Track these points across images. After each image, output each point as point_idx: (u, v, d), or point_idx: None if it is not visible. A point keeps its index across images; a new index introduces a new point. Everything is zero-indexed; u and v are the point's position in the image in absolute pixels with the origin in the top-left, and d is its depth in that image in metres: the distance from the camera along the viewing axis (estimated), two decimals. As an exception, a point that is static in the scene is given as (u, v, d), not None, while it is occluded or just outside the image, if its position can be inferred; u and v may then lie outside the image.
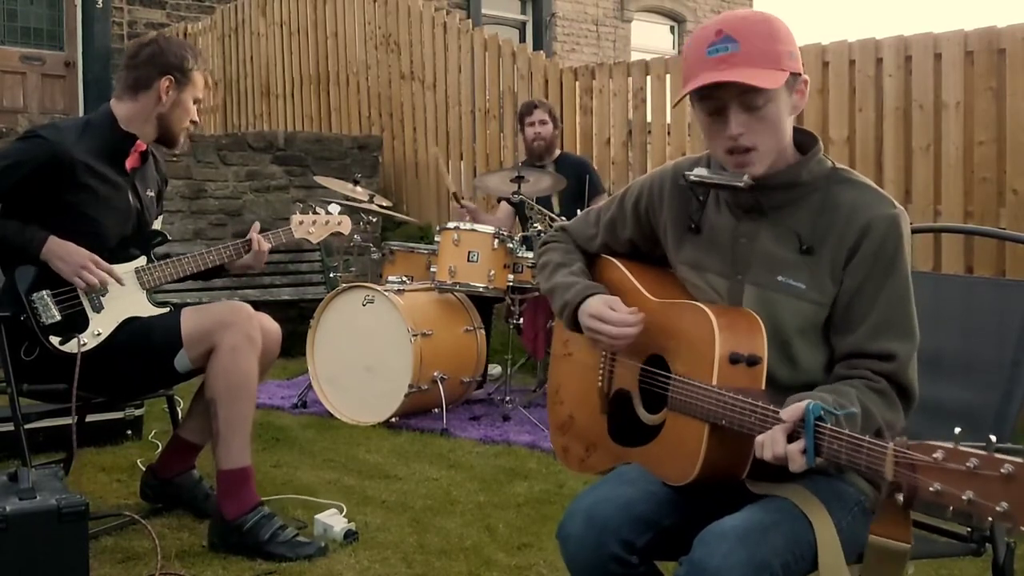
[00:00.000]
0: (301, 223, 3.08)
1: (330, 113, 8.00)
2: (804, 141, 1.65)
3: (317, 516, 2.83)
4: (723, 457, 1.53)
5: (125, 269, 2.72)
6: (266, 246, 2.92)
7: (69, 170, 2.60)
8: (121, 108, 2.75)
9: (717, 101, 1.56)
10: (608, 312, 1.71)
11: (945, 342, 1.91)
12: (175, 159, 6.11)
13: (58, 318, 2.59)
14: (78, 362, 2.54)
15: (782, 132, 1.59)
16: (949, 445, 1.17)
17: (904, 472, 1.21)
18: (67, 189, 2.61)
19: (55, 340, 2.58)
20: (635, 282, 1.80)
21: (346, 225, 3.21)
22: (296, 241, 3.10)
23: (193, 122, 2.82)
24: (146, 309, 2.75)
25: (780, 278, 1.61)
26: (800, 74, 1.58)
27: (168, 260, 2.82)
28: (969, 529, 1.76)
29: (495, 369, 5.07)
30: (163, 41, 2.81)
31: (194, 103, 2.80)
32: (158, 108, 2.74)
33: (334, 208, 3.16)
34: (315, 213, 3.12)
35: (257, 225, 2.97)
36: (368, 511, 3.03)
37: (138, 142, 2.77)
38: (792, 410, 1.38)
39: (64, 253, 2.59)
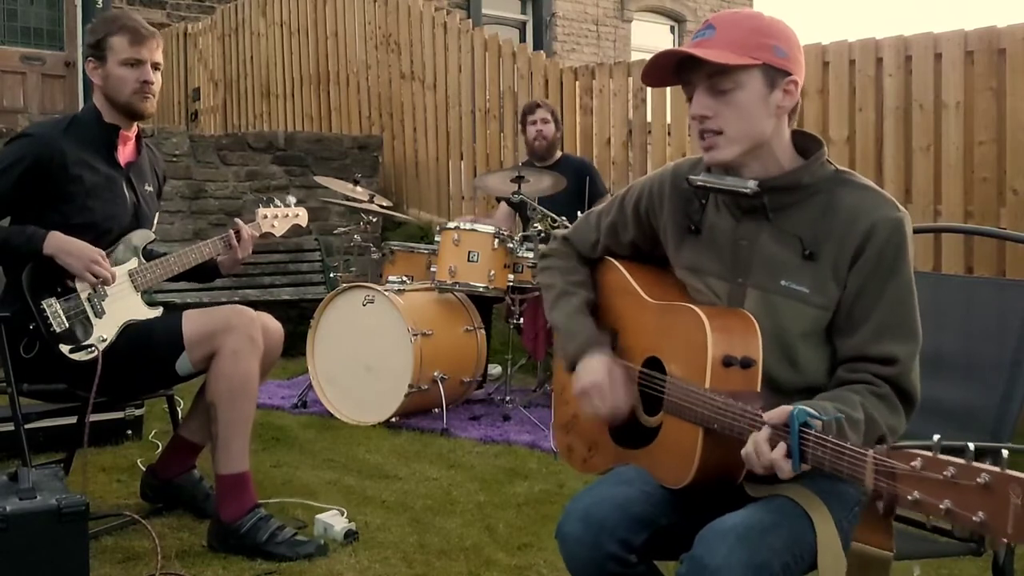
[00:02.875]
0: (265, 217, 3.08)
1: (330, 113, 8.01)
2: (807, 145, 1.65)
3: (317, 516, 2.83)
4: (719, 461, 1.53)
5: (119, 272, 2.71)
6: (246, 234, 2.91)
7: (60, 162, 2.60)
8: (96, 101, 2.76)
9: (690, 87, 1.62)
10: (604, 394, 1.71)
11: (945, 342, 1.91)
12: (175, 159, 6.11)
13: (66, 326, 2.58)
14: (98, 371, 2.53)
15: (754, 122, 1.58)
16: (928, 453, 1.16)
17: (883, 481, 1.21)
18: (61, 181, 2.60)
19: (65, 348, 2.56)
20: (634, 284, 1.80)
21: (303, 218, 3.22)
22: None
23: (144, 82, 2.69)
24: (142, 312, 2.75)
25: (783, 282, 1.60)
26: (789, 73, 1.58)
27: (157, 260, 2.81)
28: (969, 529, 1.76)
29: (495, 369, 5.07)
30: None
31: (132, 64, 2.68)
32: (100, 90, 2.73)
33: (291, 200, 3.17)
34: (276, 206, 3.13)
35: (239, 222, 2.97)
36: (368, 511, 3.03)
37: (122, 132, 2.77)
38: (776, 412, 1.39)
39: (73, 247, 2.57)
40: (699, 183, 1.67)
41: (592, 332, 1.81)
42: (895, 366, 1.55)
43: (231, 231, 2.91)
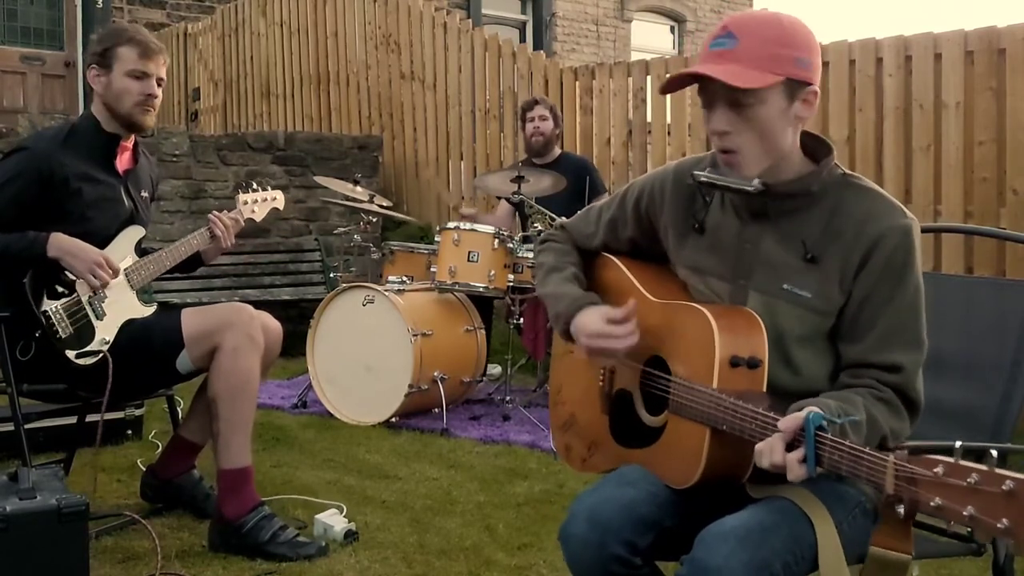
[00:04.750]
0: (246, 203, 3.08)
1: (330, 113, 8.00)
2: (817, 148, 1.63)
3: (317, 516, 2.83)
4: (725, 461, 1.53)
5: None
6: (229, 221, 2.91)
7: (60, 176, 2.60)
8: (94, 110, 2.76)
9: (709, 95, 1.56)
10: (606, 327, 1.68)
11: (945, 342, 1.90)
12: (175, 159, 6.11)
13: (71, 331, 2.57)
14: (110, 374, 2.52)
15: (773, 138, 1.56)
16: (950, 459, 1.16)
17: (904, 486, 1.20)
18: (62, 196, 2.60)
19: (71, 354, 2.56)
20: (634, 281, 1.79)
21: (280, 200, 3.23)
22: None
23: (149, 95, 2.68)
24: (140, 310, 2.75)
25: (785, 286, 1.60)
26: (809, 84, 1.55)
27: (149, 257, 2.81)
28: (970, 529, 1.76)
29: (495, 369, 5.06)
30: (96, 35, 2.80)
31: (138, 77, 2.67)
32: (100, 99, 2.72)
33: (268, 186, 3.21)
34: (254, 191, 3.13)
35: (215, 212, 2.95)
36: (368, 511, 3.03)
37: (122, 141, 2.76)
38: (790, 420, 1.37)
39: (76, 249, 2.56)
40: (703, 179, 1.65)
41: (582, 292, 1.80)
42: (899, 374, 1.54)
43: (213, 219, 2.90)
